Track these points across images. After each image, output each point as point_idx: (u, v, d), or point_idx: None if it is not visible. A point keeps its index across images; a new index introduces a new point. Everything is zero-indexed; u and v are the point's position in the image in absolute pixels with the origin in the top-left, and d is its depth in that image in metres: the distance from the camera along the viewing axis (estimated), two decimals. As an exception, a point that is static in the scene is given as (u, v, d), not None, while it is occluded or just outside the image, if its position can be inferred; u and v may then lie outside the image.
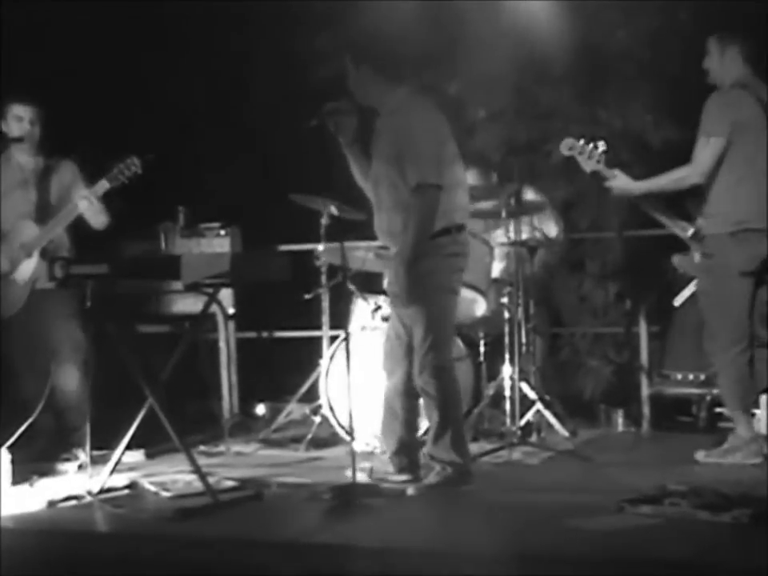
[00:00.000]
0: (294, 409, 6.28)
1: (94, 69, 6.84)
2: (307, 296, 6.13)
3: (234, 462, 5.54)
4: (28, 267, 5.38)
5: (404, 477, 4.71)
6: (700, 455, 5.08)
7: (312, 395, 6.09)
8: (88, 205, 5.33)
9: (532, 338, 6.00)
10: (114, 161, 5.29)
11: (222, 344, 6.62)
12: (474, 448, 5.19)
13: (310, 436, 5.79)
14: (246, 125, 6.87)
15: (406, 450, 4.78)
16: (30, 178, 5.53)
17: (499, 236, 6.15)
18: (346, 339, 5.38)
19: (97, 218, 5.46)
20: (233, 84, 6.99)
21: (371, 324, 5.82)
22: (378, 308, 5.83)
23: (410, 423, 4.80)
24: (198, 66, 7.14)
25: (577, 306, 6.92)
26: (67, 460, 5.38)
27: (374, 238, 4.97)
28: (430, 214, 4.54)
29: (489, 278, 5.84)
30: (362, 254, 5.83)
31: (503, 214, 5.82)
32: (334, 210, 5.82)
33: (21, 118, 5.45)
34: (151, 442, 5.36)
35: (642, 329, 6.38)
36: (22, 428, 5.09)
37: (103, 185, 5.31)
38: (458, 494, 4.59)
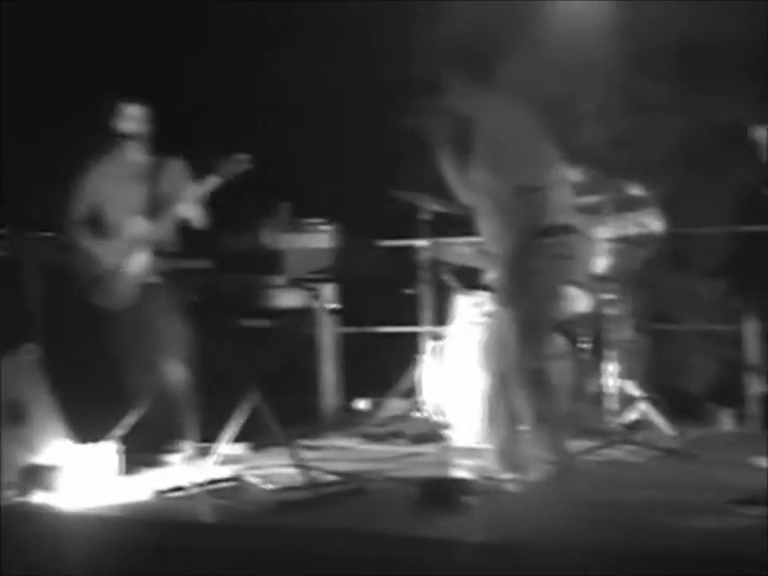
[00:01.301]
0: (394, 404, 6.31)
1: (200, 67, 6.94)
2: (408, 291, 6.14)
3: (336, 456, 5.57)
4: (137, 262, 5.50)
5: (510, 475, 4.71)
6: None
7: (413, 390, 6.11)
8: (189, 208, 5.44)
9: (636, 334, 5.93)
10: (222, 158, 5.37)
11: (323, 339, 6.65)
12: (576, 446, 5.14)
13: (410, 431, 5.81)
14: (349, 120, 6.90)
15: (510, 448, 4.77)
16: (141, 175, 5.63)
17: (602, 232, 6.09)
18: (445, 335, 5.41)
19: (198, 218, 5.54)
20: (335, 80, 7.03)
21: (472, 320, 5.82)
22: (480, 304, 5.82)
23: (511, 421, 4.78)
24: (298, 62, 7.19)
25: (683, 303, 6.81)
26: (173, 452, 5.47)
27: (475, 233, 4.98)
28: (530, 216, 4.54)
29: (591, 274, 5.79)
30: (462, 250, 5.84)
31: (606, 210, 5.77)
32: (435, 205, 5.82)
33: (132, 117, 5.56)
34: (254, 436, 5.39)
35: (752, 326, 6.26)
36: (130, 420, 5.20)
37: (212, 181, 5.41)
38: (559, 491, 4.57)
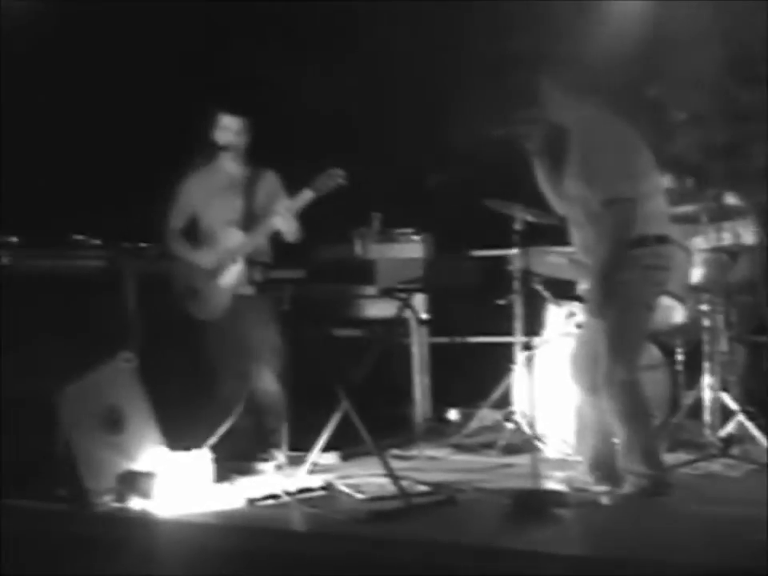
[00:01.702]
0: (486, 414, 6.29)
1: (295, 79, 7.02)
2: (500, 301, 6.10)
3: (427, 466, 5.57)
4: (232, 273, 5.55)
5: (603, 487, 4.67)
6: None
7: (504, 401, 6.09)
8: (282, 221, 5.48)
9: (733, 346, 5.83)
10: (317, 172, 5.40)
11: (414, 349, 6.64)
12: (671, 459, 5.08)
13: (502, 442, 5.79)
14: (439, 130, 6.91)
15: (603, 460, 4.74)
16: (237, 186, 5.69)
17: (699, 242, 6.00)
18: (537, 346, 5.37)
19: (291, 231, 5.58)
20: (425, 90, 7.04)
21: (564, 330, 5.79)
22: (572, 315, 5.79)
23: (604, 433, 4.75)
24: (389, 73, 7.21)
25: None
26: (265, 460, 5.50)
27: (567, 243, 4.95)
28: (624, 227, 4.50)
29: (687, 284, 5.72)
30: (555, 260, 5.81)
31: (703, 219, 5.69)
32: (527, 215, 5.80)
33: (228, 128, 5.62)
34: (345, 445, 5.44)
35: None
36: (223, 428, 5.24)
37: (306, 195, 5.43)
38: (654, 504, 4.52)
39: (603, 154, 4.56)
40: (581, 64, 4.79)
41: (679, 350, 5.81)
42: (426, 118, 6.91)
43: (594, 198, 4.59)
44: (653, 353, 5.64)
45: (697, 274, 5.95)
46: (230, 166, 5.72)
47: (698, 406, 5.62)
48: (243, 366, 5.56)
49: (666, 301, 5.45)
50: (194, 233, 5.75)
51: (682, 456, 5.33)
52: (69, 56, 6.38)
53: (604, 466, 4.73)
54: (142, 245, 5.57)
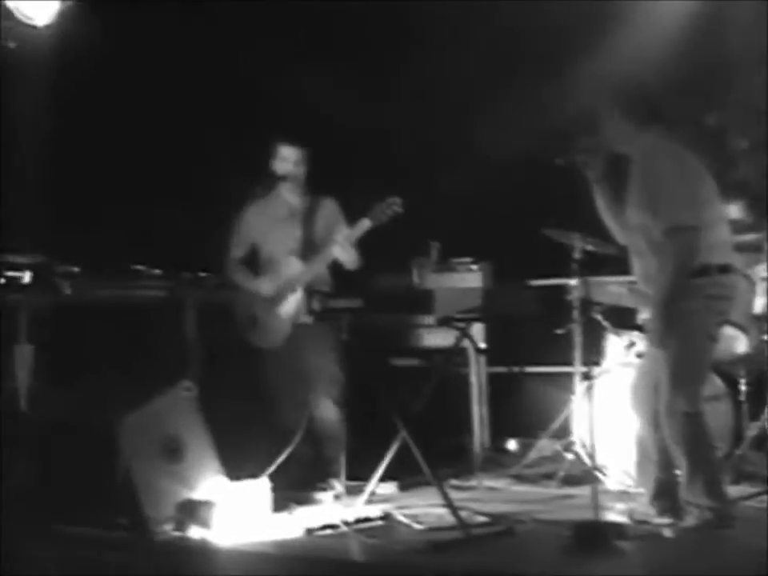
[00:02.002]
0: (545, 445, 6.24)
1: (354, 109, 7.07)
2: (559, 331, 6.07)
3: (486, 497, 5.54)
4: (292, 302, 5.59)
5: (666, 519, 4.61)
6: None
7: (564, 431, 6.05)
8: (341, 250, 5.51)
9: (799, 377, 5.73)
10: (375, 201, 5.42)
11: (473, 378, 6.61)
12: (734, 491, 5.00)
13: (561, 473, 5.75)
14: (497, 159, 6.91)
15: (666, 492, 4.68)
16: (296, 216, 5.75)
17: (762, 270, 5.92)
18: (596, 375, 5.32)
19: (350, 260, 5.61)
20: (481, 119, 7.04)
21: (624, 360, 5.74)
22: (632, 344, 5.75)
23: (665, 464, 4.70)
24: (444, 104, 7.23)
25: None
26: (324, 489, 5.51)
27: (627, 272, 4.92)
28: (687, 256, 4.47)
29: (751, 313, 5.64)
30: (615, 289, 5.77)
31: (766, 248, 5.61)
32: (586, 244, 5.77)
33: (287, 159, 5.67)
34: (404, 475, 5.42)
35: None
36: (282, 457, 5.26)
37: (364, 224, 5.46)
38: (717, 537, 4.45)
39: (666, 182, 4.53)
40: (642, 92, 4.76)
41: (742, 380, 5.73)
42: (484, 148, 6.89)
43: (656, 227, 4.56)
44: (715, 383, 5.57)
45: (760, 304, 5.87)
46: (289, 196, 5.78)
47: (761, 437, 5.54)
48: (302, 394, 5.59)
49: (728, 331, 5.38)
50: (254, 262, 5.80)
51: (745, 489, 5.25)
52: (127, 84, 6.48)
53: (666, 498, 4.67)
54: (202, 274, 5.61)
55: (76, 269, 5.34)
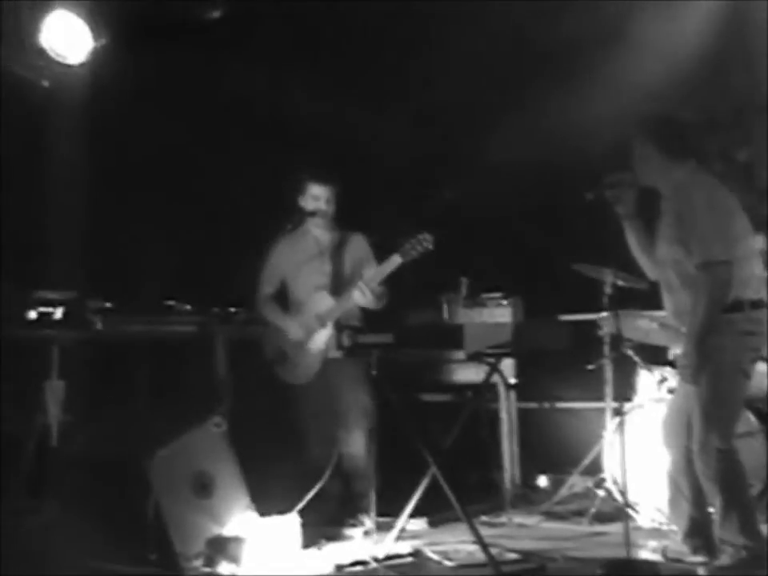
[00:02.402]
0: (576, 481, 6.21)
1: (385, 140, 7.09)
2: (590, 366, 6.07)
3: (516, 534, 5.52)
4: (321, 337, 5.62)
5: (700, 558, 4.57)
6: None
7: (595, 468, 6.01)
8: (359, 295, 5.51)
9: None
10: (406, 237, 5.41)
11: (503, 414, 6.60)
12: (769, 529, 4.96)
13: (593, 510, 5.72)
14: (530, 193, 6.91)
15: (699, 530, 4.64)
16: (326, 251, 5.79)
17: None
18: (628, 411, 5.28)
19: (368, 303, 5.60)
20: (517, 150, 7.03)
21: (656, 396, 5.71)
22: (664, 380, 5.72)
23: (698, 501, 4.65)
24: (468, 132, 7.23)
25: None
26: (353, 525, 5.52)
27: (658, 307, 4.89)
28: (719, 291, 4.45)
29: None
30: (646, 325, 5.75)
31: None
32: (617, 278, 5.75)
33: (317, 197, 5.71)
34: (434, 511, 5.41)
35: None
36: (312, 493, 5.26)
37: (395, 260, 5.45)
38: (751, 576, 4.40)
39: (700, 216, 4.51)
40: (676, 126, 4.75)
41: (776, 416, 5.67)
42: (517, 182, 6.89)
43: (688, 262, 4.54)
44: (749, 420, 5.52)
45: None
46: (319, 232, 5.82)
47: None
48: (332, 430, 5.61)
49: (761, 367, 5.34)
50: (284, 298, 5.83)
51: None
52: (159, 120, 6.54)
53: (700, 536, 4.63)
54: (232, 310, 5.64)
55: (107, 304, 5.37)
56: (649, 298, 5.12)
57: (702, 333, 4.45)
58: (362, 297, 5.54)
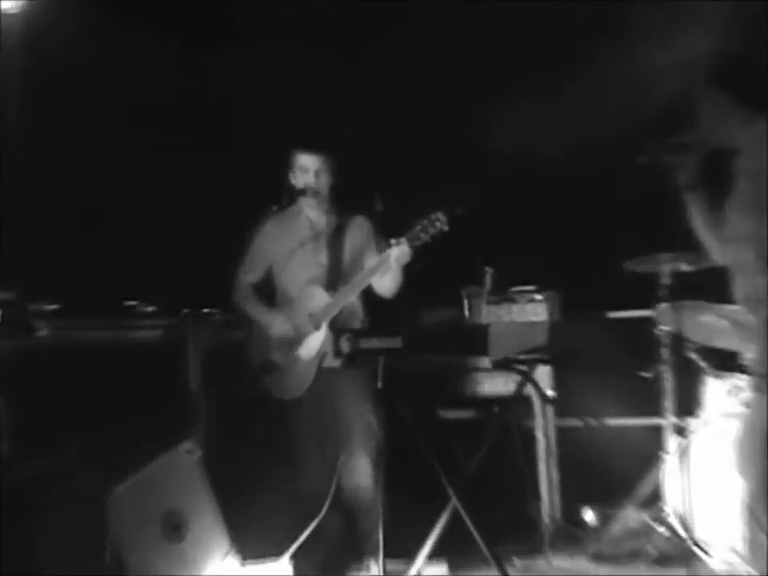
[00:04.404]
0: (630, 515, 6.11)
1: (396, 113, 7.12)
2: (645, 374, 6.00)
3: (558, 580, 5.50)
4: (315, 341, 5.55)
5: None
6: None
7: (653, 499, 5.98)
8: (401, 255, 5.40)
9: None
10: (416, 216, 5.35)
11: (538, 433, 6.55)
12: None
13: (652, 550, 5.67)
14: (561, 164, 6.85)
15: (784, 570, 4.51)
16: (321, 238, 5.75)
17: None
18: (693, 429, 5.21)
19: (388, 287, 5.58)
20: (553, 119, 7.01)
21: (727, 410, 5.63)
22: (737, 390, 5.64)
23: (781, 538, 4.52)
24: (497, 108, 7.24)
25: None
26: (357, 571, 5.48)
27: (728, 300, 4.75)
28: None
29: None
30: (714, 321, 5.70)
31: None
32: (679, 264, 5.69)
33: (306, 168, 5.66)
34: (456, 552, 5.39)
35: None
36: (307, 532, 5.25)
37: (403, 248, 5.39)
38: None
39: None
40: (752, 71, 4.62)
41: None
42: (551, 154, 6.86)
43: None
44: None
45: None
46: (313, 214, 5.77)
47: None
48: (330, 455, 5.55)
49: None
50: (270, 293, 5.80)
51: None
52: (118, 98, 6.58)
53: (785, 578, 4.50)
54: (207, 310, 5.55)
55: (53, 306, 5.34)
56: (718, 288, 5.00)
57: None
58: (377, 280, 5.44)
